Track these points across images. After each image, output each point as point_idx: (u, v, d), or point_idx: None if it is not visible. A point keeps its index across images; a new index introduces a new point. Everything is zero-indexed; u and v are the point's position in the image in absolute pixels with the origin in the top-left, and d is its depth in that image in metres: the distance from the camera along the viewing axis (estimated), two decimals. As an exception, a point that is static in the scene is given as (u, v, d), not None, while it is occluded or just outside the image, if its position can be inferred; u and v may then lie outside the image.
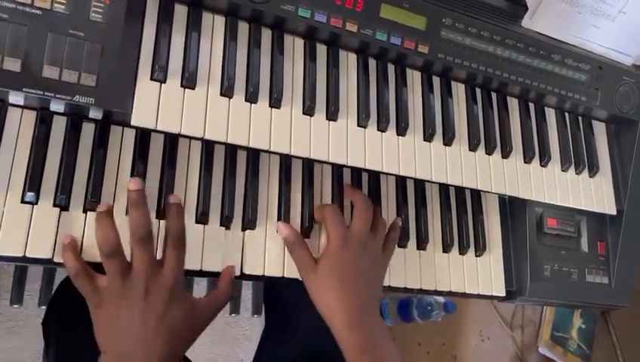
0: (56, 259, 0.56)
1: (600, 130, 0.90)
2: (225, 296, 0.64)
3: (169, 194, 0.61)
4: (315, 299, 0.66)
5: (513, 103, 0.83)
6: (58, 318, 0.81)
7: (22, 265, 1.14)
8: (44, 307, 1.11)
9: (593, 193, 0.85)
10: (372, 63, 0.73)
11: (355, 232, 0.67)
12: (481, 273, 0.80)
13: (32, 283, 1.25)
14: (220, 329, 1.45)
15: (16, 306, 1.25)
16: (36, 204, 0.56)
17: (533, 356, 2.02)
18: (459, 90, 0.79)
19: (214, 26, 0.64)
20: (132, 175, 0.61)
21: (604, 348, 2.15)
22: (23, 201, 0.56)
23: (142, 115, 0.57)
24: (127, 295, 0.57)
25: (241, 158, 0.68)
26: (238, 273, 0.65)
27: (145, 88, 0.58)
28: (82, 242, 0.57)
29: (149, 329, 0.57)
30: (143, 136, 0.63)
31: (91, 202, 0.58)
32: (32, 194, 0.56)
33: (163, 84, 0.59)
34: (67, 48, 0.53)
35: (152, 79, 0.59)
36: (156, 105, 0.58)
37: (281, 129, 0.64)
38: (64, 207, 0.57)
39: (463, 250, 0.79)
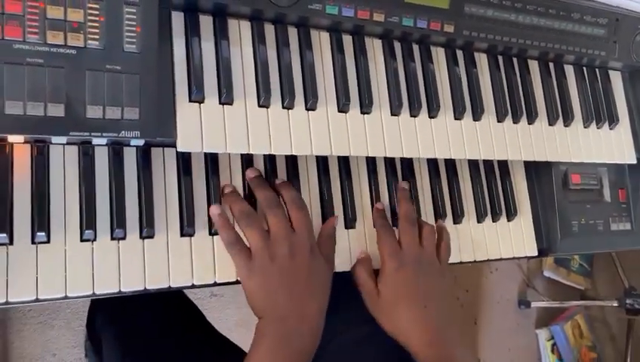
0: (124, 289, 0.57)
1: (617, 80, 0.90)
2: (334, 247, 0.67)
3: (275, 178, 0.66)
4: (384, 325, 0.68)
5: (533, 65, 0.83)
6: (105, 319, 0.83)
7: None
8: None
9: (614, 145, 0.87)
10: (397, 46, 0.72)
11: (406, 250, 0.68)
12: (514, 236, 0.83)
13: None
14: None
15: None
16: (95, 240, 0.56)
17: (539, 280, 2.11)
18: (481, 60, 0.78)
19: (241, 32, 0.62)
20: (179, 193, 0.61)
21: (604, 263, 2.25)
22: (82, 240, 0.56)
23: (187, 140, 0.57)
24: (275, 256, 0.60)
25: (280, 161, 0.68)
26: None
27: (186, 112, 0.57)
28: (144, 270, 0.58)
29: (300, 287, 0.61)
30: (184, 153, 0.62)
31: (147, 230, 0.58)
32: (91, 231, 0.56)
33: (202, 105, 0.58)
34: (107, 84, 0.52)
35: (190, 101, 0.58)
36: (199, 128, 0.57)
37: (320, 131, 0.64)
38: (121, 238, 0.58)
39: (495, 218, 0.81)
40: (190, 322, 0.86)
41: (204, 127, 0.58)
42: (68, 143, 0.57)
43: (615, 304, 1.90)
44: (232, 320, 1.48)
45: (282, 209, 0.63)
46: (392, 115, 0.69)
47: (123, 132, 0.53)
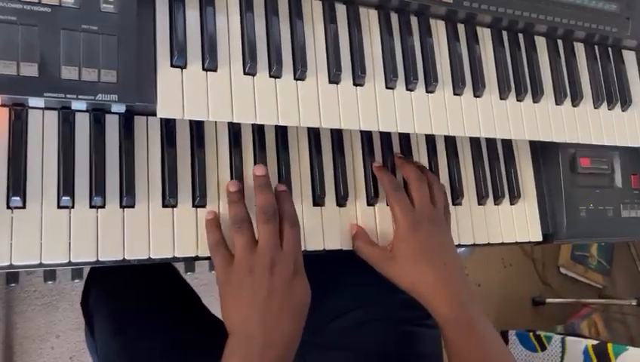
0: (102, 259, 0.56)
1: (630, 59, 0.86)
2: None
3: (278, 183, 0.64)
4: (402, 283, 0.66)
5: (540, 42, 0.79)
6: (98, 297, 0.82)
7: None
8: (77, 281, 1.12)
9: (627, 128, 0.82)
10: (394, 17, 0.69)
11: (421, 210, 0.67)
12: (517, 220, 0.79)
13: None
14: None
15: (50, 282, 1.27)
16: (72, 207, 0.55)
17: (554, 277, 2.06)
18: (484, 35, 0.75)
19: (228, -3, 0.60)
20: (162, 163, 0.60)
21: (624, 262, 2.19)
22: (59, 207, 0.55)
23: (167, 105, 0.55)
24: (254, 268, 0.58)
25: (270, 134, 0.66)
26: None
27: (166, 77, 0.55)
28: (124, 240, 0.57)
29: (274, 306, 0.58)
30: (168, 122, 0.61)
31: (127, 198, 0.57)
32: (68, 198, 0.54)
33: (184, 70, 0.56)
34: (83, 45, 0.50)
35: (172, 66, 0.56)
36: (180, 94, 0.55)
37: (309, 102, 0.61)
38: (100, 206, 0.56)
39: (497, 200, 0.78)
40: (183, 302, 0.85)
41: (186, 93, 0.56)
42: (47, 108, 0.56)
43: (634, 303, 1.84)
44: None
45: (275, 221, 0.60)
46: (386, 88, 0.66)
47: (100, 95, 0.51)
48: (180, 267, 1.10)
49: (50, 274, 1.25)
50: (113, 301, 0.80)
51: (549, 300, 1.96)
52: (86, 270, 0.94)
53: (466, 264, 1.86)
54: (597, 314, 2.03)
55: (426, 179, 0.70)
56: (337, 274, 0.84)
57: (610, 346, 1.49)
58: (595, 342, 1.52)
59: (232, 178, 0.63)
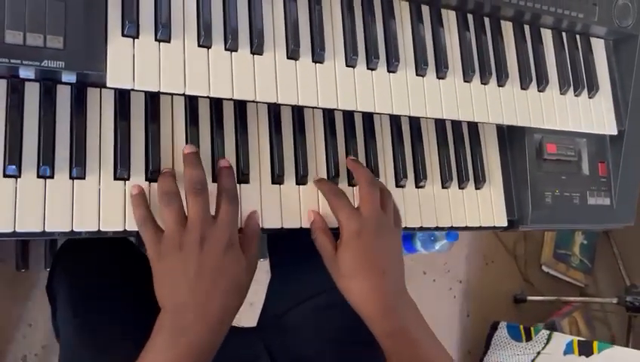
0: (49, 229, 0.55)
1: (599, 47, 0.86)
2: (258, 245, 0.64)
3: (220, 159, 0.63)
4: (341, 289, 0.65)
5: (507, 27, 0.79)
6: (61, 280, 0.81)
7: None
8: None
9: (593, 114, 0.83)
10: (358, -4, 0.69)
11: (368, 216, 0.65)
12: (482, 205, 0.79)
13: (38, 248, 1.25)
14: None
15: (23, 271, 1.26)
16: (19, 176, 0.54)
17: (536, 275, 2.06)
18: (449, 17, 0.75)
19: (184, -31, 0.60)
20: (115, 136, 0.59)
21: (606, 260, 2.19)
22: (5, 175, 0.54)
23: (117, 75, 0.54)
24: (184, 244, 0.57)
25: (228, 109, 0.65)
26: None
27: (117, 46, 0.55)
28: (72, 211, 0.56)
29: (205, 281, 0.57)
30: (123, 95, 0.60)
31: (77, 170, 0.56)
32: (14, 167, 0.54)
33: (136, 40, 0.56)
34: (28, 9, 0.50)
35: (123, 35, 0.55)
36: (131, 64, 0.55)
37: (266, 77, 0.61)
38: (48, 176, 0.56)
39: (462, 184, 0.78)
40: (145, 283, 0.84)
41: (137, 63, 0.55)
42: (-5, 76, 0.55)
43: (615, 301, 1.84)
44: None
45: (205, 195, 0.59)
46: (347, 65, 0.66)
47: (46, 61, 0.51)
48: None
49: (22, 262, 1.24)
50: (74, 283, 0.79)
51: (530, 298, 1.96)
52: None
53: (446, 260, 1.86)
54: (578, 312, 2.03)
55: (378, 185, 0.68)
56: (301, 259, 0.84)
57: (595, 343, 1.50)
58: (581, 339, 1.54)
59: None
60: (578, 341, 1.54)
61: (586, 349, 1.49)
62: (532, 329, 1.68)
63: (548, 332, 1.64)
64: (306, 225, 0.67)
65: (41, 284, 1.32)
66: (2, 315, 1.28)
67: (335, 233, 0.67)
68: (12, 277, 1.30)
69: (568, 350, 1.54)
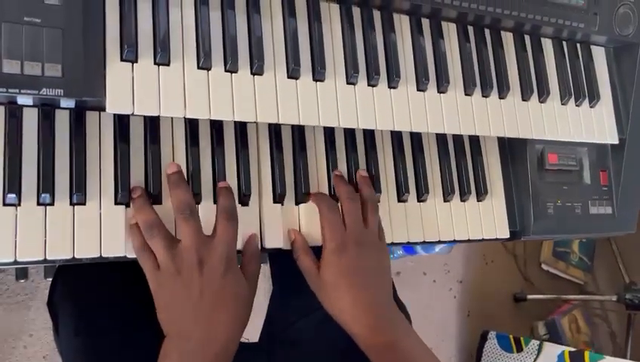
0: (50, 258, 0.54)
1: (599, 56, 0.86)
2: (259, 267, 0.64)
3: (220, 180, 0.62)
4: (327, 308, 0.65)
5: (508, 38, 0.78)
6: (62, 296, 0.81)
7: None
8: (50, 279, 1.11)
9: (594, 124, 0.82)
10: (356, 12, 0.68)
11: (350, 232, 0.65)
12: (484, 218, 0.79)
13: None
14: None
15: (22, 281, 1.26)
16: (19, 205, 0.54)
17: (536, 273, 2.06)
18: (450, 30, 0.74)
19: (182, -10, 0.59)
20: (115, 159, 0.59)
21: (605, 258, 2.20)
22: (4, 204, 0.53)
23: (117, 101, 0.54)
24: (182, 268, 0.56)
25: (229, 129, 0.65)
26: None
27: (116, 71, 0.54)
28: (74, 238, 0.55)
29: (207, 305, 0.56)
30: (122, 117, 0.59)
31: (77, 196, 0.56)
32: (14, 195, 0.53)
33: (135, 64, 0.55)
34: (25, 38, 0.49)
35: (122, 60, 0.55)
36: (131, 89, 0.54)
37: (267, 98, 0.60)
38: (49, 204, 0.55)
39: (464, 197, 0.78)
40: (146, 302, 0.84)
41: (137, 88, 0.55)
42: (-7, 103, 0.54)
43: (614, 299, 1.85)
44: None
45: (195, 216, 0.58)
46: (347, 83, 0.65)
47: (44, 89, 0.50)
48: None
49: (22, 272, 1.23)
50: (76, 300, 0.78)
51: (530, 296, 1.96)
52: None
53: (446, 261, 1.86)
54: (578, 310, 2.04)
55: (360, 197, 0.68)
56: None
57: (587, 354, 1.50)
58: (572, 349, 1.54)
59: (188, 177, 0.61)
60: (569, 352, 1.53)
61: (577, 359, 1.49)
62: (522, 339, 1.68)
63: (538, 342, 1.64)
64: (287, 246, 0.66)
65: (40, 294, 1.32)
66: (3, 325, 1.28)
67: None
68: (12, 287, 1.29)
69: (560, 361, 1.54)
